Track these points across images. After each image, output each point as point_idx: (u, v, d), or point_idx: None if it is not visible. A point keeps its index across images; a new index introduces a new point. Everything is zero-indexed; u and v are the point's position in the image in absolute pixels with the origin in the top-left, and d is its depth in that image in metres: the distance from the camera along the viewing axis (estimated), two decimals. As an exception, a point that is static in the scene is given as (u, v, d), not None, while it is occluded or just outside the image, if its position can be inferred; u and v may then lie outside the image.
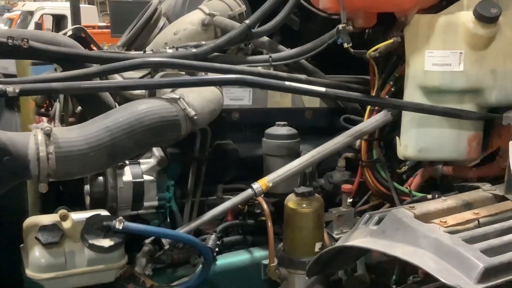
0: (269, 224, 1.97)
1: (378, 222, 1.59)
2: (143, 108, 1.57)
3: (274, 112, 2.27)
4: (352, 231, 1.67)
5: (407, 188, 2.15)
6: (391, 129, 2.18)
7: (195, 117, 1.65)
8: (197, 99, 1.72)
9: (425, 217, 1.55)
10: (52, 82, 1.57)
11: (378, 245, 1.50)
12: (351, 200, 2.21)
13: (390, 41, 1.89)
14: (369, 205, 2.39)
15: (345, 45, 1.86)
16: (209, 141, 2.07)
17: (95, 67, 1.71)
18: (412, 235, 1.44)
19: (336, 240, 2.15)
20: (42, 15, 11.43)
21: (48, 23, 11.27)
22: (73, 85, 1.57)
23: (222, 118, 2.17)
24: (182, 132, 1.65)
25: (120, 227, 1.49)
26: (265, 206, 1.98)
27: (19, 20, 11.94)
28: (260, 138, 2.15)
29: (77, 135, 1.48)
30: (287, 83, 1.70)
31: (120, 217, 1.52)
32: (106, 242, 1.49)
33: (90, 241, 1.48)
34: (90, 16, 12.36)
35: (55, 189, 1.91)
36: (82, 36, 2.19)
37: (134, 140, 1.53)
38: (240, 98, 2.22)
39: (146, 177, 1.80)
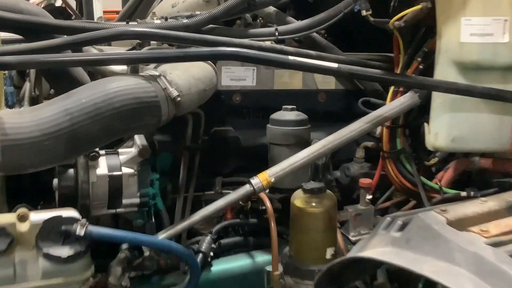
0: (273, 225, 1.68)
1: (402, 227, 1.32)
2: (113, 87, 1.28)
3: (282, 94, 1.98)
4: (370, 237, 1.39)
5: (436, 183, 1.83)
6: (418, 114, 1.86)
7: (179, 99, 1.36)
8: (183, 77, 1.44)
9: (461, 224, 1.26)
10: (5, 55, 1.30)
11: (401, 258, 1.21)
12: (370, 196, 1.91)
13: (418, 7, 1.56)
14: (391, 202, 2.09)
15: (364, 12, 1.55)
16: (203, 126, 1.79)
17: (61, 38, 1.43)
18: (444, 247, 1.15)
19: (353, 243, 1.86)
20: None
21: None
22: (30, 59, 1.29)
23: (221, 101, 1.90)
24: (163, 117, 1.37)
25: (82, 233, 1.22)
26: (268, 204, 1.70)
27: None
28: (264, 124, 1.87)
29: (29, 119, 1.21)
30: (290, 57, 1.40)
31: (83, 220, 1.24)
32: (65, 251, 1.22)
33: (45, 250, 1.21)
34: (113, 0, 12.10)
35: (24, 183, 1.65)
36: (62, 7, 1.92)
37: (100, 125, 1.25)
38: (242, 78, 1.93)
39: (125, 170, 1.52)
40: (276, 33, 1.83)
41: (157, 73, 1.38)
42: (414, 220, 1.29)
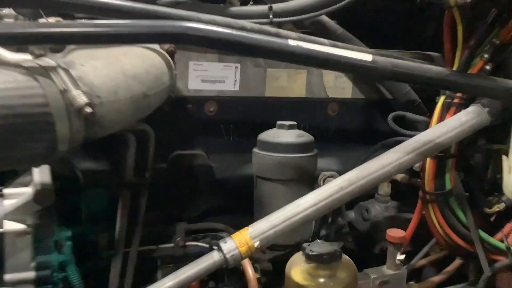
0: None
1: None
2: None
3: (276, 104, 1.41)
4: None
5: (502, 240, 1.24)
6: (472, 138, 1.27)
7: (89, 109, 0.75)
8: (104, 73, 0.83)
9: None
10: None
11: None
12: (402, 257, 1.30)
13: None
14: (427, 259, 1.50)
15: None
16: (152, 152, 1.18)
17: None
18: None
19: (377, 327, 1.27)
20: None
21: None
22: None
23: (187, 112, 1.31)
24: (59, 143, 0.75)
25: None
26: (250, 273, 1.11)
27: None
28: (250, 147, 1.29)
29: None
30: (292, 42, 0.80)
31: None
32: None
33: None
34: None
35: None
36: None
37: None
38: (220, 79, 1.34)
39: (10, 225, 0.91)
40: (270, 15, 1.24)
41: (52, 64, 0.77)
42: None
